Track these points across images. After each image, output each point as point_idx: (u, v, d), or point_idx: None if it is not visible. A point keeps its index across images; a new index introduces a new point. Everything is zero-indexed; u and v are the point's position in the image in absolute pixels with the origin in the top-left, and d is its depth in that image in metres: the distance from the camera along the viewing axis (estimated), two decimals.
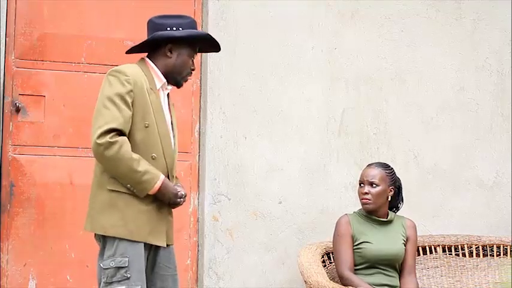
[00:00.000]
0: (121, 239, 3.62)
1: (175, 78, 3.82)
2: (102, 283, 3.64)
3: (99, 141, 3.57)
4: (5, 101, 4.88)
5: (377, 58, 5.50)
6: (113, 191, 3.64)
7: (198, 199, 5.21)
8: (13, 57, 4.91)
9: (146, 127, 3.67)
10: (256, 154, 5.25)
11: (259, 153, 5.26)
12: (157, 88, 3.77)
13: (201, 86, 5.25)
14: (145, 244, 3.70)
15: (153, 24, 3.81)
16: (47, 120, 4.95)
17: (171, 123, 3.84)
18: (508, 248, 5.29)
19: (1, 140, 4.86)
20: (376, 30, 5.51)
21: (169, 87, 3.85)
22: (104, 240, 3.68)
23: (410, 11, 5.57)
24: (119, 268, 3.60)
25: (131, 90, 3.64)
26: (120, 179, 3.61)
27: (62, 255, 4.93)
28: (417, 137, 5.56)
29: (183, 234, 5.17)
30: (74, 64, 5.00)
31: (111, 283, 3.61)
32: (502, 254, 5.28)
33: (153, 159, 3.69)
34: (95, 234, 3.73)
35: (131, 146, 3.62)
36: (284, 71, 5.33)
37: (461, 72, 5.66)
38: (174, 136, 3.83)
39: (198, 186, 5.22)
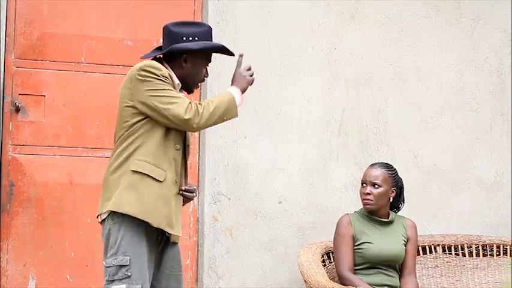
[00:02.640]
0: (125, 236, 3.62)
1: (188, 85, 3.88)
2: (104, 281, 3.67)
3: (188, 116, 3.68)
4: (4, 101, 4.88)
5: (377, 58, 5.50)
6: (136, 172, 3.66)
7: (198, 199, 5.21)
8: (13, 57, 4.91)
9: None
10: (256, 154, 5.25)
11: (259, 153, 5.26)
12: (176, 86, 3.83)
13: (200, 86, 5.25)
14: (154, 241, 3.72)
15: (169, 32, 3.84)
16: (46, 120, 4.95)
17: None
18: (508, 248, 5.29)
19: (1, 140, 4.86)
20: (376, 30, 5.51)
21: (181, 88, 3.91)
22: (107, 237, 3.69)
23: (410, 11, 5.57)
24: (121, 266, 3.62)
25: (169, 83, 3.73)
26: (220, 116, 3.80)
27: (61, 255, 4.93)
28: (417, 137, 5.55)
29: (183, 234, 5.16)
30: (73, 64, 5.00)
31: (112, 281, 3.64)
32: (502, 253, 5.28)
33: (176, 149, 3.75)
34: (102, 230, 3.72)
35: (161, 136, 3.71)
36: (284, 71, 5.33)
37: (461, 72, 5.66)
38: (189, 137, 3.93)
39: (198, 185, 5.22)
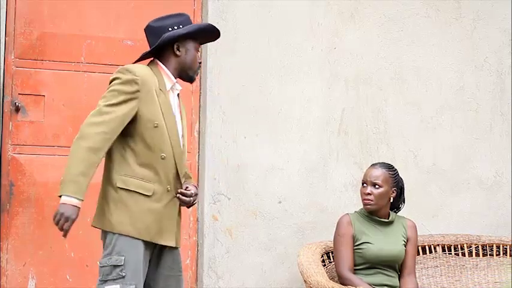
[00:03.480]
0: (120, 237, 3.63)
1: (187, 73, 3.87)
2: (98, 280, 3.66)
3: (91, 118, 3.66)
4: (4, 101, 4.89)
5: (377, 58, 5.51)
6: (122, 189, 3.66)
7: (198, 199, 5.21)
8: (13, 57, 4.91)
9: (155, 127, 3.70)
10: (256, 154, 5.25)
11: (259, 153, 5.26)
12: (167, 89, 3.80)
13: (200, 86, 5.26)
14: (150, 243, 3.71)
15: (152, 29, 3.84)
16: (46, 120, 4.95)
17: (181, 124, 3.87)
18: (508, 247, 5.29)
19: (1, 140, 4.86)
20: (376, 29, 5.51)
21: (179, 87, 3.88)
22: (103, 237, 3.70)
23: (410, 11, 5.57)
24: (115, 266, 3.62)
25: (138, 91, 3.67)
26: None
27: (61, 255, 4.93)
28: (417, 137, 5.56)
29: (182, 234, 5.13)
30: (73, 64, 5.01)
31: (106, 281, 3.63)
32: (501, 253, 5.28)
33: (162, 159, 3.71)
34: (101, 232, 3.74)
35: (142, 147, 3.68)
36: (284, 71, 5.33)
37: (460, 71, 5.66)
38: (183, 136, 3.86)
39: (198, 185, 5.21)
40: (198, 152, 5.24)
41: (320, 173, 5.36)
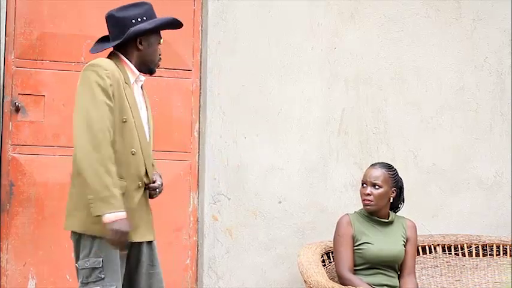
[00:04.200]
0: (95, 238, 3.59)
1: (148, 66, 3.83)
2: (78, 283, 3.64)
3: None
4: (4, 101, 4.88)
5: (377, 58, 5.51)
6: None
7: (198, 199, 5.21)
8: (13, 57, 4.91)
9: (124, 122, 3.66)
10: (255, 154, 5.25)
11: (259, 153, 5.26)
12: (132, 82, 3.76)
13: (200, 86, 5.25)
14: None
15: (115, 19, 3.76)
16: (46, 120, 4.95)
17: (147, 115, 3.84)
18: (508, 247, 5.29)
19: (1, 140, 4.86)
20: (376, 29, 5.51)
21: (143, 78, 3.84)
22: (78, 239, 3.65)
23: (410, 11, 5.57)
24: (94, 269, 3.59)
25: (111, 85, 3.63)
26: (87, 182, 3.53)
27: (61, 255, 4.93)
28: (417, 137, 5.56)
29: (182, 234, 5.18)
30: (73, 64, 5.00)
31: (87, 283, 3.60)
32: (501, 253, 5.28)
33: (132, 154, 3.68)
34: (71, 232, 3.69)
35: (112, 143, 3.59)
36: (284, 71, 5.33)
37: (460, 72, 5.66)
38: (149, 128, 3.83)
39: (198, 185, 5.22)
40: (198, 152, 5.23)
41: (320, 173, 5.36)
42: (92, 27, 5.04)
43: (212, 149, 5.19)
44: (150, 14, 3.80)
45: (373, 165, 4.73)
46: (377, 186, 4.62)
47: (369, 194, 4.62)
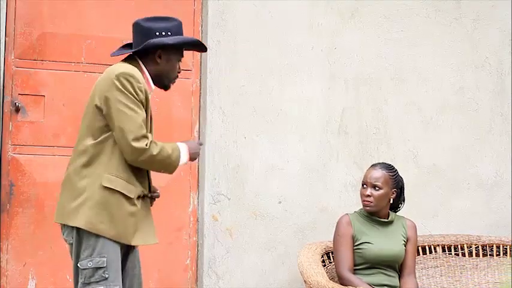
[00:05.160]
0: (99, 237, 3.61)
1: (163, 82, 3.86)
2: (79, 283, 3.63)
3: (135, 145, 3.63)
4: (4, 101, 4.88)
5: (377, 58, 5.50)
6: (106, 188, 3.63)
7: (198, 199, 5.21)
8: (13, 57, 4.91)
9: None
10: (255, 154, 5.25)
11: (259, 153, 5.26)
12: (150, 93, 3.80)
13: (200, 86, 5.25)
14: (123, 245, 3.69)
15: (140, 28, 3.81)
16: (46, 120, 4.95)
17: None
18: (508, 248, 5.29)
19: (1, 140, 4.86)
20: (376, 29, 5.51)
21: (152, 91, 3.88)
22: (79, 238, 3.65)
23: (410, 11, 5.57)
24: (97, 268, 3.59)
25: (143, 99, 3.69)
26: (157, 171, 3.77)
27: (61, 255, 4.92)
28: (417, 137, 5.55)
29: (182, 234, 5.17)
30: (73, 64, 5.00)
31: (89, 283, 3.60)
32: (501, 254, 5.28)
33: None
34: (67, 231, 3.69)
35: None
36: (284, 71, 5.33)
37: (461, 72, 5.66)
38: None
39: (198, 186, 5.22)
40: None
41: (320, 173, 5.36)
42: (92, 27, 5.04)
43: (212, 149, 5.19)
44: (176, 30, 3.81)
45: (373, 165, 4.73)
46: (377, 188, 4.61)
47: (369, 195, 4.61)
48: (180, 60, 3.87)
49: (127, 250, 3.78)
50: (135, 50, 3.78)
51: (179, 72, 3.88)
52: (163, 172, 3.77)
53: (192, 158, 3.81)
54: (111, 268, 3.60)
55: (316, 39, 5.39)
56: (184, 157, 3.76)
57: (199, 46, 3.92)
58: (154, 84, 3.84)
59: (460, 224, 5.53)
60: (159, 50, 3.78)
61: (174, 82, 3.90)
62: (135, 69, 3.74)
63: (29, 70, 4.94)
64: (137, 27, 3.82)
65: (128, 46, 3.90)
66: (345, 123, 5.43)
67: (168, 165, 3.72)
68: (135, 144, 3.61)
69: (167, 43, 3.76)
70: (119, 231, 3.63)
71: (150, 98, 3.77)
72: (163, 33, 3.77)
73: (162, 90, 3.90)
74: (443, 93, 5.62)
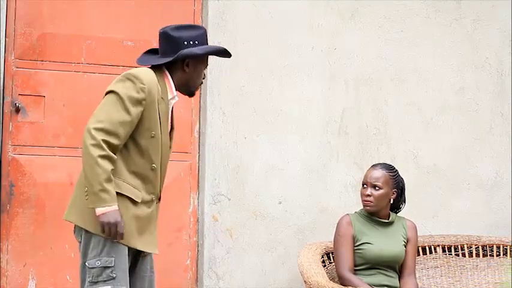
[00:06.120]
0: (107, 238, 3.60)
1: (190, 89, 3.87)
2: (87, 282, 3.63)
3: (94, 133, 3.58)
4: (4, 101, 4.88)
5: (377, 58, 5.51)
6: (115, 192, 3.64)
7: (198, 199, 5.21)
8: (13, 57, 4.91)
9: (152, 137, 3.70)
10: (256, 154, 5.25)
11: (259, 153, 5.26)
12: (169, 98, 3.79)
13: (200, 86, 5.24)
14: (130, 248, 3.70)
15: (169, 37, 3.80)
16: (46, 120, 4.95)
17: (171, 135, 3.87)
18: (508, 248, 5.29)
19: (1, 140, 4.86)
20: (376, 30, 5.51)
21: (177, 99, 3.87)
22: (87, 237, 3.66)
23: (410, 11, 5.57)
24: (105, 268, 3.60)
25: (144, 99, 3.66)
26: (85, 175, 3.61)
27: (61, 255, 4.93)
28: (417, 137, 5.56)
29: (182, 234, 5.18)
30: (73, 64, 5.00)
31: (96, 282, 3.60)
32: (501, 254, 5.28)
33: (152, 170, 3.73)
34: (77, 229, 3.70)
35: (135, 154, 3.67)
36: (284, 71, 5.33)
37: (461, 72, 5.66)
38: (170, 148, 3.87)
39: (198, 186, 5.22)
40: (198, 152, 5.23)
41: (320, 174, 5.36)
42: (92, 28, 5.04)
43: (212, 150, 5.19)
44: (202, 38, 3.82)
45: (373, 166, 4.73)
46: (377, 188, 4.61)
47: (369, 195, 4.62)
48: (206, 68, 3.89)
49: (137, 254, 3.79)
50: (169, 60, 3.76)
51: (204, 79, 3.90)
52: (86, 192, 3.60)
53: (104, 218, 3.55)
54: (119, 268, 3.61)
55: (316, 40, 5.40)
56: (102, 202, 3.55)
57: (225, 53, 3.93)
58: (179, 91, 3.84)
59: (460, 225, 5.53)
60: (187, 60, 3.79)
61: (198, 89, 3.93)
62: (151, 72, 3.73)
63: (29, 70, 4.94)
64: (165, 35, 3.81)
65: (151, 52, 3.90)
66: (345, 123, 5.44)
67: (95, 183, 3.55)
68: (94, 132, 3.57)
69: (198, 53, 3.78)
70: (125, 233, 3.63)
71: (168, 103, 3.76)
72: (191, 43, 3.78)
73: (187, 97, 3.91)
74: (444, 93, 5.63)
